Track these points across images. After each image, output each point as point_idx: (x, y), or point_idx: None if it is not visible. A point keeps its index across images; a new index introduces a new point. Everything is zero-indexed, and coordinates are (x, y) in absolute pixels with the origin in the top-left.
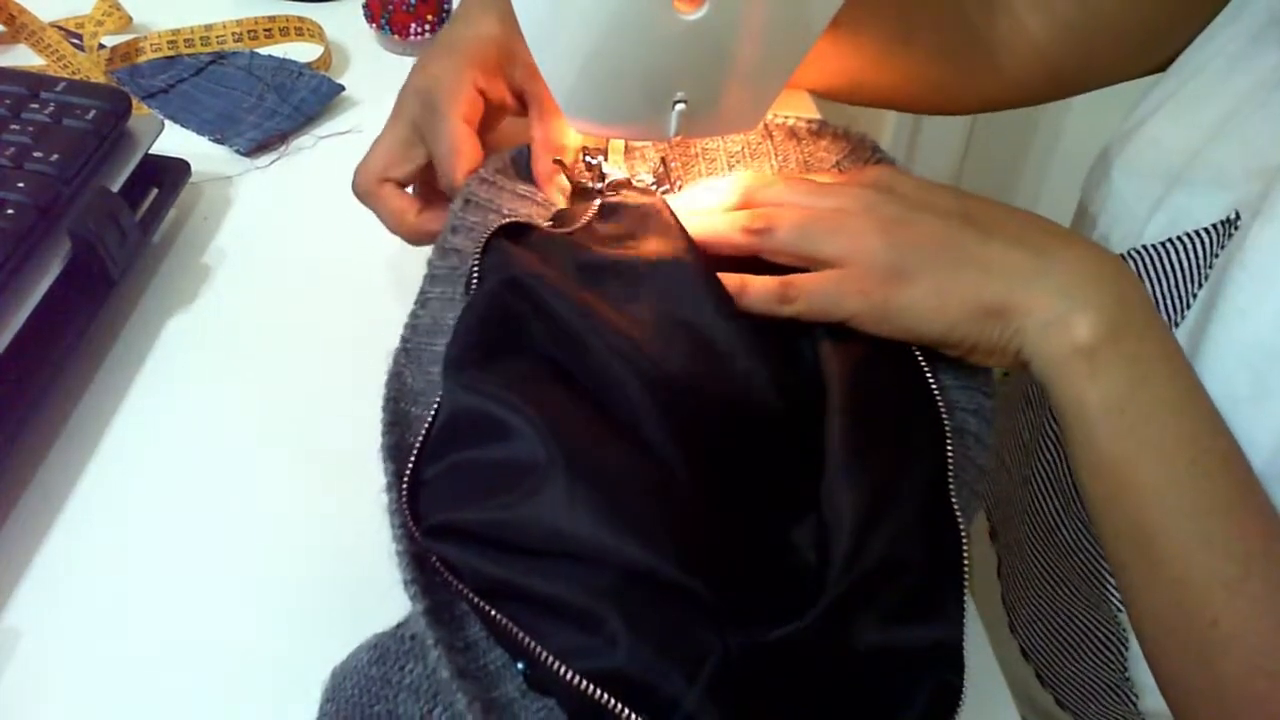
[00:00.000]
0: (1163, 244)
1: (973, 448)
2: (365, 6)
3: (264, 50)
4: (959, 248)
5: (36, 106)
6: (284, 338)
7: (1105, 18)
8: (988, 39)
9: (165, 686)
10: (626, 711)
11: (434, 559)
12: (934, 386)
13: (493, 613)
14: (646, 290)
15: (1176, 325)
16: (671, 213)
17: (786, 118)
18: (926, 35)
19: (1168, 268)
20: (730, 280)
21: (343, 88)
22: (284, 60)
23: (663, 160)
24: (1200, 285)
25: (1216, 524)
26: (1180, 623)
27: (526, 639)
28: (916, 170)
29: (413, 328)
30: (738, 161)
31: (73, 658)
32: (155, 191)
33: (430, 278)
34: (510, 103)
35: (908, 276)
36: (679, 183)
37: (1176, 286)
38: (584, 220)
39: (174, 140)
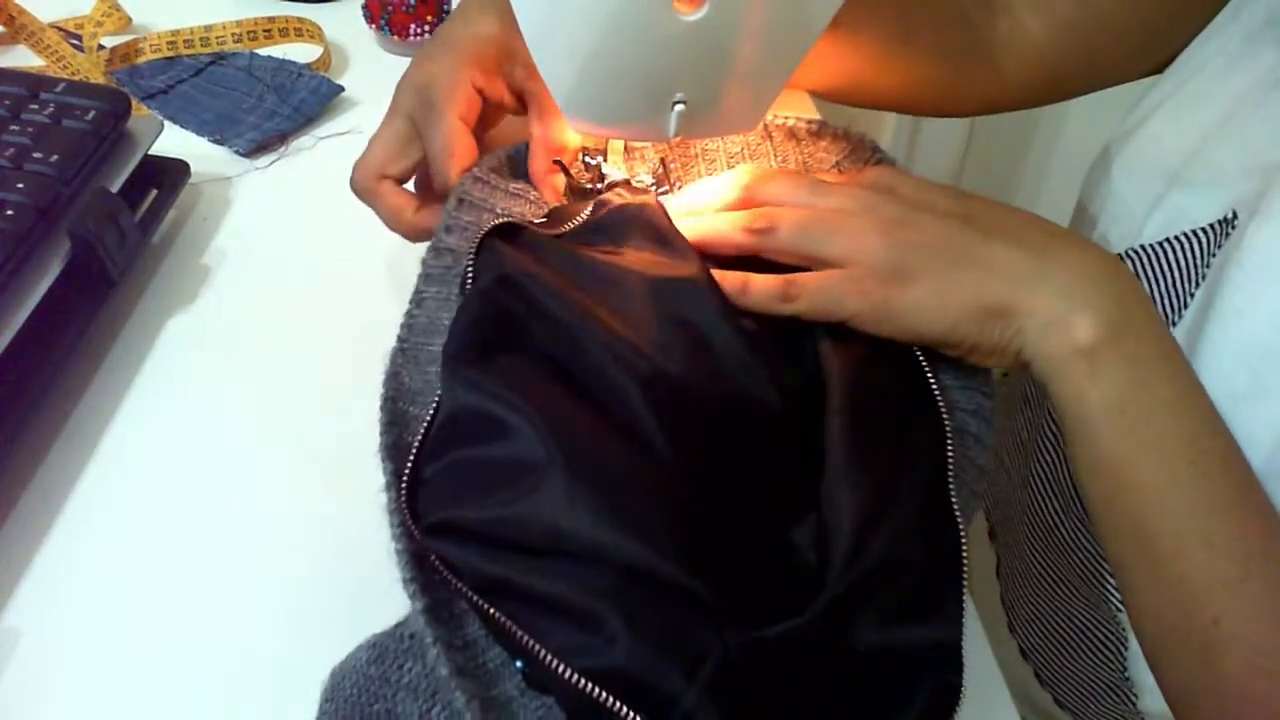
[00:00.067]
0: (1160, 243)
1: (972, 448)
2: (365, 7)
3: (263, 51)
4: (960, 248)
5: (36, 107)
6: (283, 338)
7: (1105, 18)
8: (988, 39)
9: (165, 686)
10: (625, 710)
11: (433, 557)
12: (935, 387)
13: (492, 611)
14: (643, 290)
15: (1174, 324)
16: (665, 213)
17: (786, 118)
18: (926, 36)
19: (1165, 267)
20: (732, 278)
21: (342, 88)
22: (283, 61)
23: (662, 161)
24: (1198, 284)
25: (1217, 524)
26: (1180, 622)
27: (525, 637)
28: (916, 170)
29: (409, 327)
30: (737, 162)
31: (73, 658)
32: (155, 192)
33: (425, 277)
34: (509, 102)
35: (908, 277)
36: (678, 183)
37: (1174, 286)
38: (578, 219)
39: (173, 141)
